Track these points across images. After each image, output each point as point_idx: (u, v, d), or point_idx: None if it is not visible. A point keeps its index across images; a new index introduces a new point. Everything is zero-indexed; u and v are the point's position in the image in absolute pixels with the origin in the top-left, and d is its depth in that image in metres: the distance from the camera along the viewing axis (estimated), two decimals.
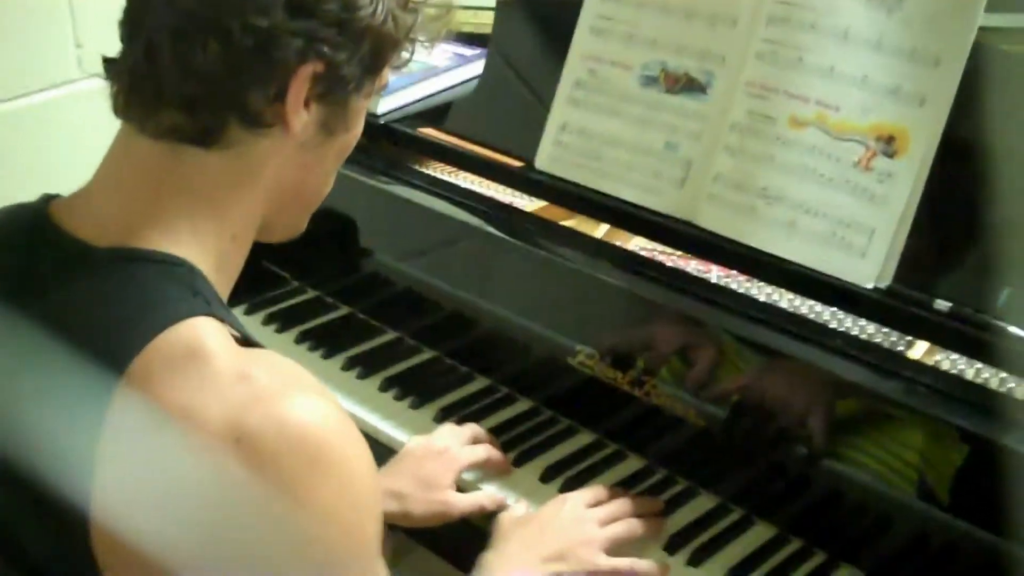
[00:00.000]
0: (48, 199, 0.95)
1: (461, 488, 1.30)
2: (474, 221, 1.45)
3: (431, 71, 1.70)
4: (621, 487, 1.30)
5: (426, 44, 0.97)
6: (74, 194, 0.94)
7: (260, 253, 1.64)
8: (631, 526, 1.23)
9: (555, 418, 1.41)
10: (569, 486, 1.30)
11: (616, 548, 1.20)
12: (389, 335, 1.57)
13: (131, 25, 0.89)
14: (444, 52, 1.76)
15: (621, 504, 1.25)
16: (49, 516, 0.83)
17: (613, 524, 1.22)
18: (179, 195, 0.89)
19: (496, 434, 1.38)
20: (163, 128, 0.88)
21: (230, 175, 0.90)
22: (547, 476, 1.32)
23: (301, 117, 0.89)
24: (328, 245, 1.62)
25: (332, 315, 1.62)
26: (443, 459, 1.30)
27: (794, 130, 1.27)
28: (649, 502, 1.27)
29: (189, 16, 0.85)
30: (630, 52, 1.41)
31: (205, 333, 0.83)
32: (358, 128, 0.97)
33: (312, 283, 1.66)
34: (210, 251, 0.90)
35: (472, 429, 1.36)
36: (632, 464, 1.34)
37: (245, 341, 0.86)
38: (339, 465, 0.81)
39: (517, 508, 1.26)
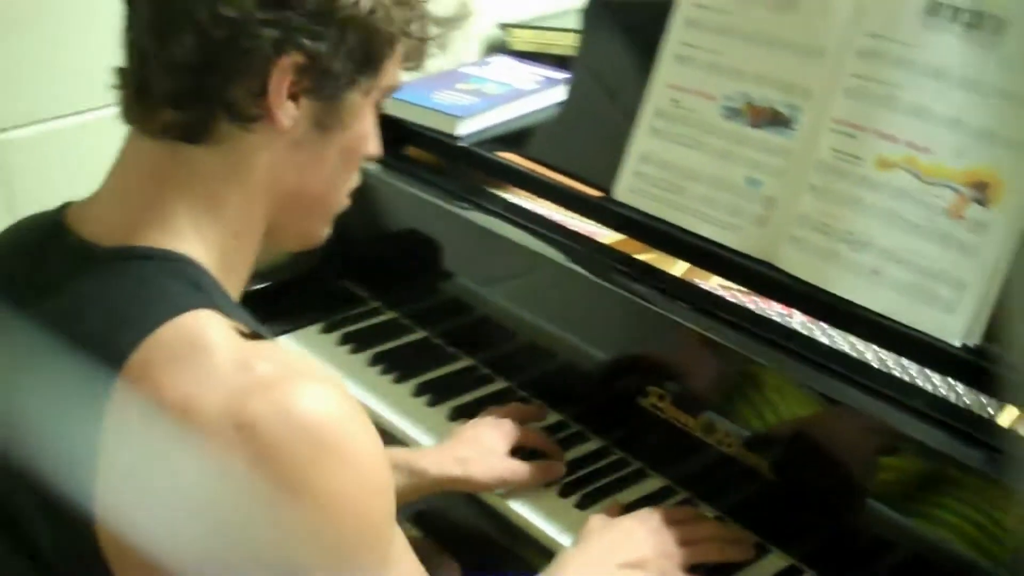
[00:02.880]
0: (66, 205, 0.96)
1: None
2: (550, 252, 1.41)
3: (515, 93, 1.66)
4: None
5: (438, 46, 0.95)
6: (87, 198, 0.95)
7: (340, 272, 1.68)
8: (717, 550, 1.21)
9: (624, 460, 1.37)
10: None
11: None
12: (463, 362, 1.54)
13: (126, 30, 0.90)
14: (533, 75, 1.73)
15: (709, 528, 1.24)
16: (55, 512, 0.83)
17: (698, 545, 1.21)
18: (178, 193, 0.90)
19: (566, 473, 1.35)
20: (159, 127, 0.89)
21: (223, 170, 0.90)
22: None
23: (288, 111, 0.89)
24: (406, 266, 1.61)
25: (408, 338, 1.60)
26: (502, 430, 1.34)
27: (881, 172, 1.20)
28: (738, 532, 1.24)
29: (161, 9, 0.86)
30: (714, 81, 1.35)
31: (206, 325, 0.83)
32: (362, 127, 0.95)
33: (390, 304, 1.64)
34: (213, 248, 0.91)
35: (512, 421, 1.39)
36: (702, 512, 1.29)
37: (255, 336, 0.85)
38: (343, 450, 0.80)
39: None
